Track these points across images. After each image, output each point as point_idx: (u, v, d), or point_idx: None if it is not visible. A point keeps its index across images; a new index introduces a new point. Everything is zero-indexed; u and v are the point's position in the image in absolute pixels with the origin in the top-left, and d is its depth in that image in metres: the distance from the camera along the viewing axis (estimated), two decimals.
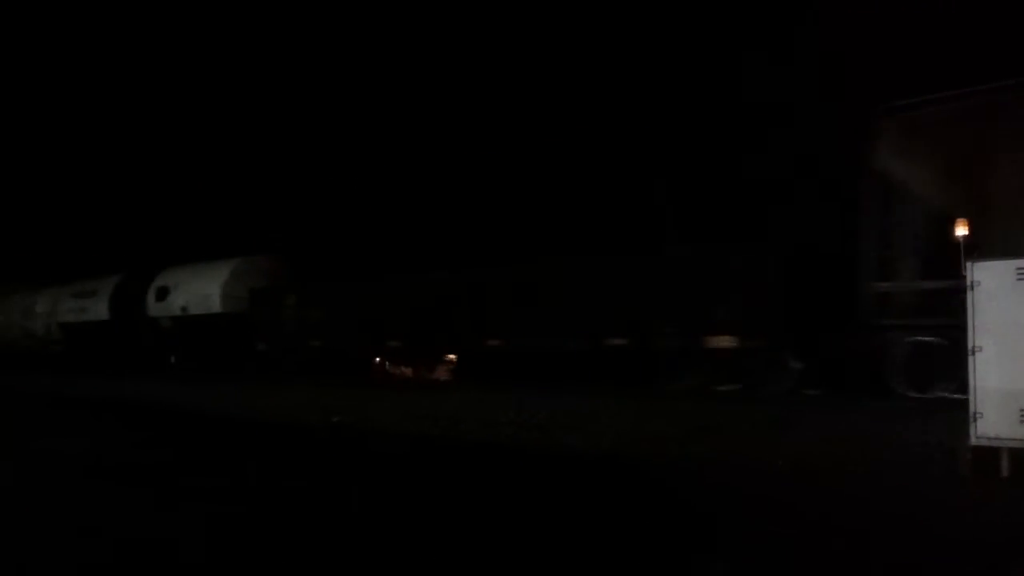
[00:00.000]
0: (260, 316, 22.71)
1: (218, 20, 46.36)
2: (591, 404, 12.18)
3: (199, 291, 25.16)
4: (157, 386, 21.09)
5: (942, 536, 5.56)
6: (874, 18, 17.83)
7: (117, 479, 8.58)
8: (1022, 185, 10.83)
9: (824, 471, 7.61)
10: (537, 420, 11.26)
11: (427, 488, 7.67)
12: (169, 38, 50.63)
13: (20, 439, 12.67)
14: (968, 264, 7.23)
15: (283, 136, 37.42)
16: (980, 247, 7.97)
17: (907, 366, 11.73)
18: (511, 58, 28.10)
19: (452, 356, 18.94)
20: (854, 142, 13.03)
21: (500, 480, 8.00)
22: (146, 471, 9.10)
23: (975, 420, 7.03)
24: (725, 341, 13.55)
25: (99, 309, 29.51)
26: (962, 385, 7.59)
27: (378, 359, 20.50)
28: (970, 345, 7.10)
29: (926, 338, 11.44)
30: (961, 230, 8.35)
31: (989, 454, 6.99)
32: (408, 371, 20.01)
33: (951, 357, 9.99)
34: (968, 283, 7.14)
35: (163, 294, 26.65)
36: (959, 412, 7.49)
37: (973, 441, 7.07)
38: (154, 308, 26.91)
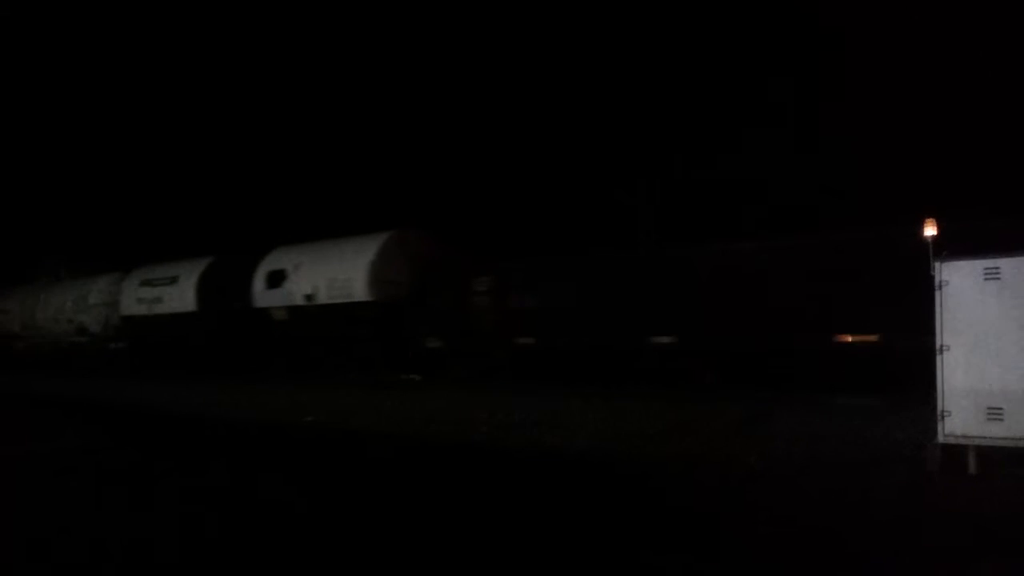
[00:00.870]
0: (434, 305, 17.51)
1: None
2: None
3: (335, 274, 19.94)
4: (294, 395, 15.91)
5: (908, 533, 5.58)
6: None
7: None
8: None
9: (796, 468, 7.56)
10: None
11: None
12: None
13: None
14: (936, 264, 7.33)
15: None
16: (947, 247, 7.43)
17: None
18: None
19: None
20: None
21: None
22: None
23: (943, 419, 7.26)
24: None
25: (182, 299, 24.16)
26: None
27: None
28: (938, 344, 7.30)
29: None
30: (930, 230, 7.41)
31: (957, 452, 7.16)
32: None
33: None
34: (936, 283, 7.32)
35: (276, 279, 21.40)
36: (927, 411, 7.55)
37: (941, 439, 7.26)
38: (263, 296, 21.65)
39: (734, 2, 27.16)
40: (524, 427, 10.36)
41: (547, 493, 7.02)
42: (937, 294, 7.23)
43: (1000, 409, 6.94)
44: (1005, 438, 6.93)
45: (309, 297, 20.49)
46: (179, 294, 24.32)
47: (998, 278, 7.02)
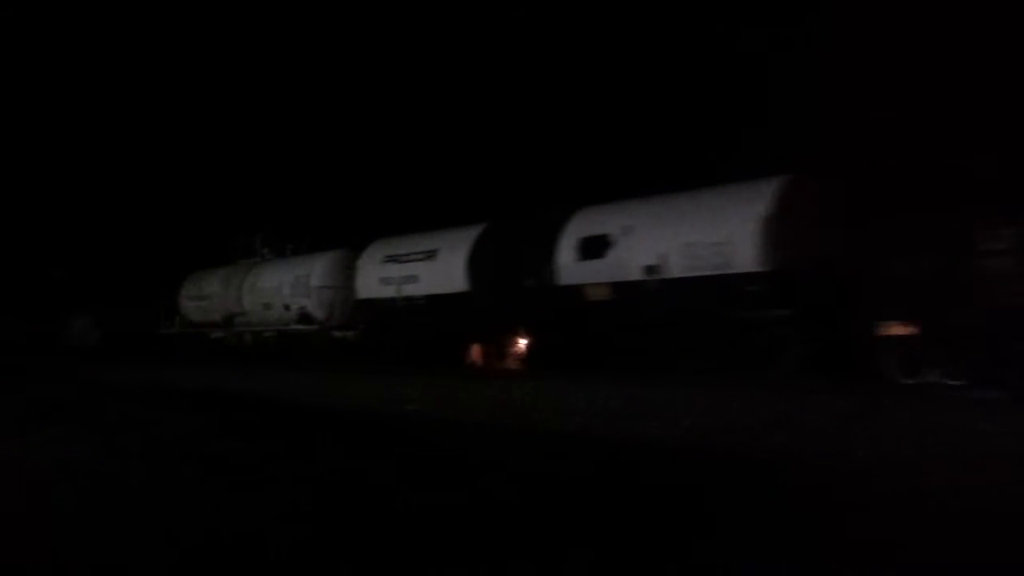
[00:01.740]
0: (899, 272, 11.96)
1: None
2: None
3: (697, 237, 14.70)
4: None
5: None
6: None
7: None
8: None
9: (910, 464, 6.78)
10: None
11: None
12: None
13: None
14: None
15: None
16: None
17: None
18: None
19: None
20: None
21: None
22: None
23: None
24: None
25: (447, 276, 19.51)
26: None
27: None
28: None
29: None
30: None
31: None
32: None
33: None
34: None
35: (595, 247, 16.36)
36: None
37: None
38: (574, 270, 16.67)
39: None
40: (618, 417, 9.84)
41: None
42: None
43: None
44: None
45: (651, 269, 15.32)
46: (442, 271, 19.68)
47: None
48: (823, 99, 17.14)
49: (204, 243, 33.67)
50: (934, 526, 5.05)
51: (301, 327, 24.34)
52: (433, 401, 12.39)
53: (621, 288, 15.90)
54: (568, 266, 16.78)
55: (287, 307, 25.00)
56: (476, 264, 18.93)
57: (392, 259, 21.37)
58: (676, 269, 14.97)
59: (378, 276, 21.59)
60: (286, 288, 25.02)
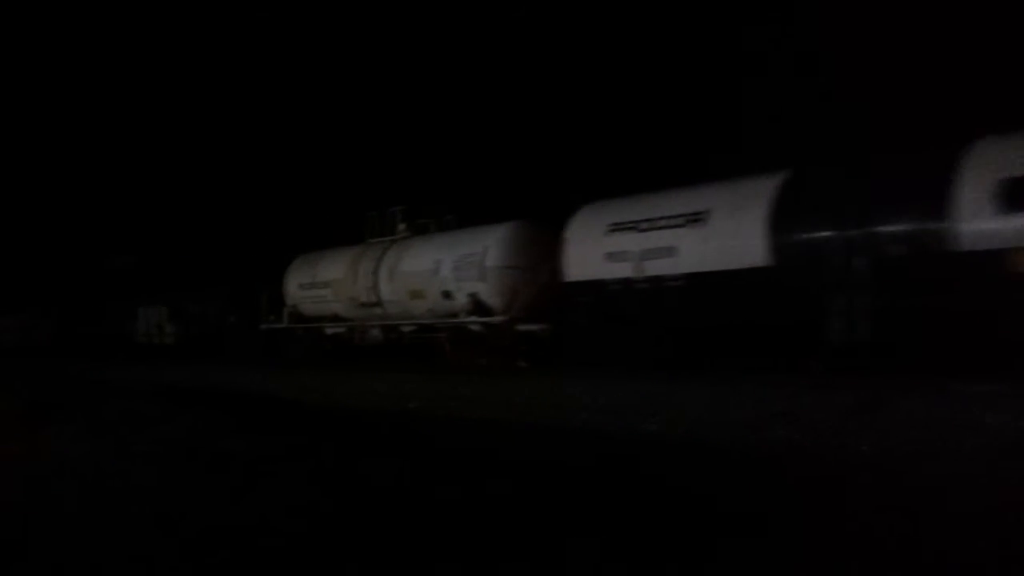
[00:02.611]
0: None
1: None
2: None
3: None
4: None
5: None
6: None
7: None
8: None
9: (913, 457, 6.76)
10: None
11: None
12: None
13: None
14: None
15: None
16: None
17: None
18: None
19: None
20: None
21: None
22: None
23: None
24: None
25: (728, 246, 13.93)
26: None
27: None
28: None
29: None
30: None
31: None
32: None
33: None
34: None
35: None
36: None
37: None
38: (991, 229, 11.02)
39: None
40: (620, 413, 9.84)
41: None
42: None
43: None
44: None
45: None
46: (720, 239, 14.08)
47: None
48: None
49: (311, 221, 28.29)
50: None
51: (471, 320, 18.79)
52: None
53: None
54: (979, 222, 11.14)
55: (447, 295, 19.48)
56: (784, 226, 13.33)
57: (623, 227, 15.79)
58: None
59: (601, 251, 16.01)
60: (446, 270, 19.49)
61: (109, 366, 25.63)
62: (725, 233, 14.04)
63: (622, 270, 15.56)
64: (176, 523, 5.69)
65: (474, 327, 18.99)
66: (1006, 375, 9.75)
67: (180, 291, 30.25)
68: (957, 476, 5.87)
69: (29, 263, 41.57)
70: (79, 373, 24.13)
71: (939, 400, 8.76)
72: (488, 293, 18.50)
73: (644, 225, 15.40)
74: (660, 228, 15.08)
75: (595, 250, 16.13)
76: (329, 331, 23.84)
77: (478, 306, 18.65)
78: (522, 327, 17.95)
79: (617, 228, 15.87)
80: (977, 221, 11.14)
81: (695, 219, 14.58)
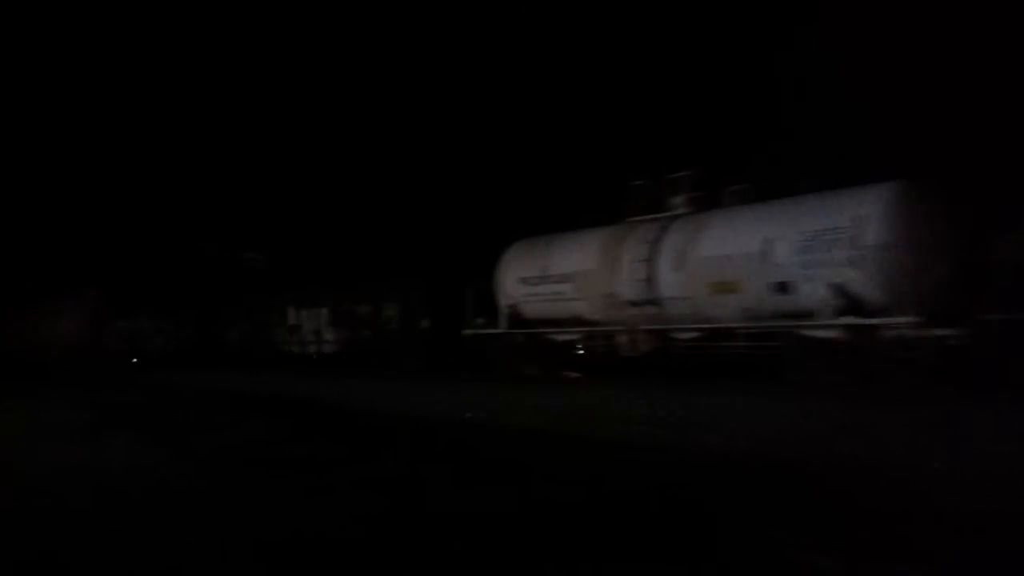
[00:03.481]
0: None
1: None
2: None
3: None
4: None
5: None
6: None
7: None
8: None
9: (992, 474, 5.94)
10: None
11: None
12: None
13: None
14: None
15: None
16: None
17: None
18: None
19: None
20: None
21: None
22: None
23: None
24: None
25: None
26: None
27: None
28: None
29: None
30: None
31: None
32: None
33: None
34: None
35: None
36: None
37: None
38: None
39: None
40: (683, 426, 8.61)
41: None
42: None
43: None
44: None
45: None
46: None
47: None
48: None
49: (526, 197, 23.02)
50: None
51: (834, 322, 13.01)
52: None
53: None
54: None
55: (782, 287, 13.78)
56: None
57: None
58: None
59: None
60: (783, 252, 13.81)
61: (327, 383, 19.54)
62: None
63: None
64: None
65: (831, 333, 13.22)
66: None
67: (347, 289, 25.24)
68: None
69: (159, 259, 37.55)
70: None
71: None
72: (867, 284, 12.75)
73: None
74: None
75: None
76: (559, 338, 18.46)
77: (852, 303, 12.89)
78: (936, 332, 12.10)
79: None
80: None
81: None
